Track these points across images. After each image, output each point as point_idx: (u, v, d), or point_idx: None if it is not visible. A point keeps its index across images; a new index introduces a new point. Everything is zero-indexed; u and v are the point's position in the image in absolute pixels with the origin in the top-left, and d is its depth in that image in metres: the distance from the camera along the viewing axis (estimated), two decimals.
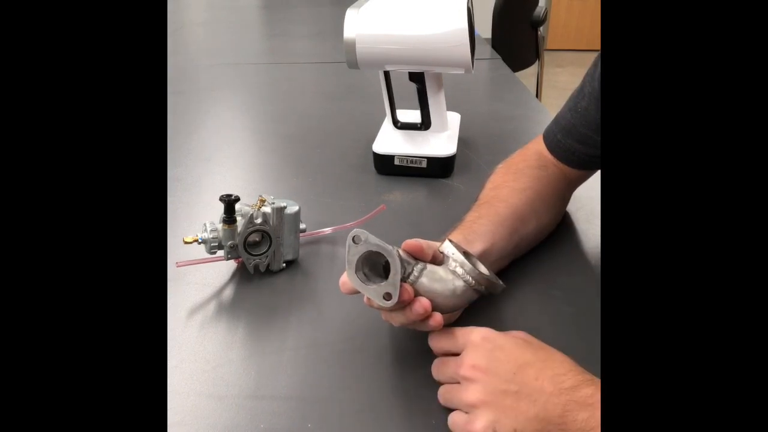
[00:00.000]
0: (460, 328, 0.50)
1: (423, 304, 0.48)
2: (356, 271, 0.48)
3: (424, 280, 0.49)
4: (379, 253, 0.47)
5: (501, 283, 0.53)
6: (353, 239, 0.47)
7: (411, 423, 0.49)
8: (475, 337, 0.48)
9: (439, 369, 0.50)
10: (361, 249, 0.47)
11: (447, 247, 0.52)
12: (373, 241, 0.47)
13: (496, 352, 0.46)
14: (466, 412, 0.45)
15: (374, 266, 0.49)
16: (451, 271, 0.50)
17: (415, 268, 0.49)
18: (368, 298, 0.49)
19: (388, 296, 0.47)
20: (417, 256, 0.50)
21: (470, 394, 0.45)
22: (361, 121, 1.10)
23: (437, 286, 0.49)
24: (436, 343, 0.51)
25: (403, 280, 0.48)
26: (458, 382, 0.47)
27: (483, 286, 0.51)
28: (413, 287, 0.48)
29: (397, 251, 0.48)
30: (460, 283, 0.50)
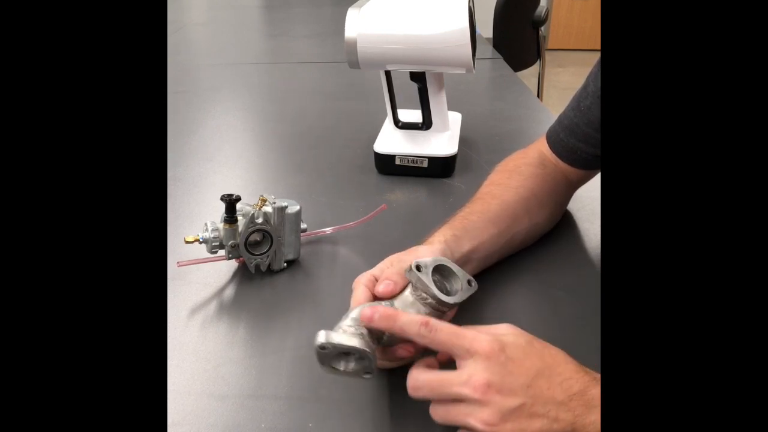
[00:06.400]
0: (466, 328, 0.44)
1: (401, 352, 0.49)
2: (330, 364, 0.47)
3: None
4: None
5: (467, 295, 0.51)
6: (320, 347, 0.45)
7: (411, 423, 0.48)
8: (485, 346, 0.42)
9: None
10: (331, 352, 0.46)
11: (411, 275, 0.49)
12: (336, 342, 0.45)
13: (509, 365, 0.41)
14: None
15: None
16: (418, 297, 0.49)
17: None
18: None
19: (368, 371, 0.47)
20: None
21: (484, 415, 0.40)
22: (362, 120, 1.10)
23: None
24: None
25: (379, 343, 0.48)
26: (454, 400, 0.42)
27: (447, 308, 0.49)
28: (389, 339, 0.48)
29: (359, 324, 0.47)
30: (425, 310, 0.49)
